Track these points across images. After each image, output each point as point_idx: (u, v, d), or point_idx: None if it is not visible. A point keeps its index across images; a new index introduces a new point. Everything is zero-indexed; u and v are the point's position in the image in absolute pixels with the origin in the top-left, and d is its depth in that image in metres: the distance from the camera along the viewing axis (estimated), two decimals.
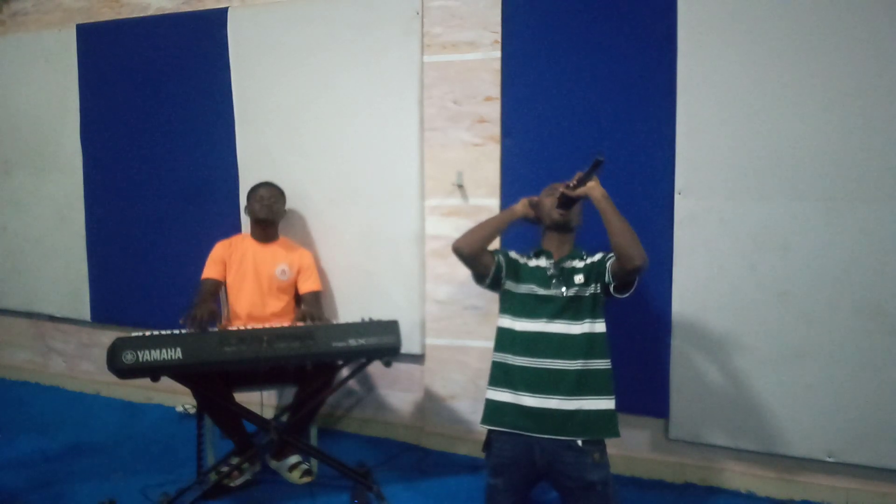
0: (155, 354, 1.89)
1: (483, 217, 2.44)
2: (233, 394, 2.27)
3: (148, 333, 1.92)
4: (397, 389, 2.77)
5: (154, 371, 1.89)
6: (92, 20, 3.13)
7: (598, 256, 1.88)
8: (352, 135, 2.65)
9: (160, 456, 2.59)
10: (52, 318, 3.44)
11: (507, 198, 2.44)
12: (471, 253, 1.85)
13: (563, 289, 1.82)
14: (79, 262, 3.24)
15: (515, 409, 1.79)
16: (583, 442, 1.74)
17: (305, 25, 2.69)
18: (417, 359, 2.67)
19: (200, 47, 2.86)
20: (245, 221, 2.80)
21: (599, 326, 1.82)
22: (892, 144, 1.98)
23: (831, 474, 2.17)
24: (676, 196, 2.22)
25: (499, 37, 2.42)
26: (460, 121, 2.50)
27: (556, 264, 1.87)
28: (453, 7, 2.48)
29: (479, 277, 1.93)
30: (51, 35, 3.20)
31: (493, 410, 1.84)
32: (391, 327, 2.12)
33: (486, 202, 2.50)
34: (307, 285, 2.55)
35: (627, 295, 1.81)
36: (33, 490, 2.30)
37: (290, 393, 2.43)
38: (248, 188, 2.63)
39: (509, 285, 1.90)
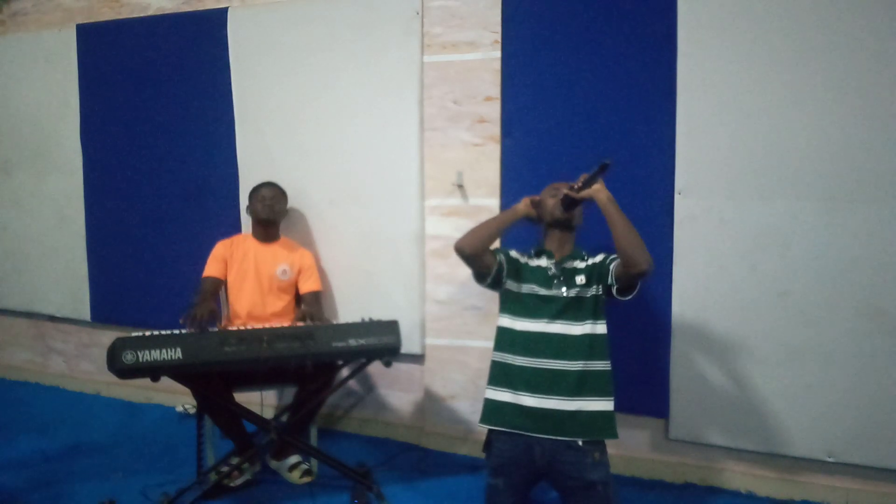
0: (155, 354, 1.89)
1: (483, 217, 2.44)
2: (233, 394, 2.27)
3: (148, 333, 1.93)
4: (397, 389, 2.77)
5: (154, 371, 1.89)
6: (92, 20, 3.13)
7: (599, 257, 1.87)
8: (352, 135, 2.65)
9: (160, 456, 2.59)
10: (52, 318, 3.44)
11: (507, 198, 2.44)
12: (473, 253, 1.85)
13: (565, 289, 1.81)
14: (79, 262, 3.24)
15: (515, 409, 1.79)
16: (583, 442, 1.74)
17: (305, 25, 2.69)
18: (417, 359, 2.67)
19: (200, 47, 2.86)
20: (245, 221, 2.80)
21: (601, 328, 1.82)
22: (892, 144, 1.98)
23: (831, 474, 2.17)
24: (676, 196, 2.22)
25: (499, 37, 2.42)
26: (460, 121, 2.50)
27: (558, 264, 1.86)
28: (453, 7, 2.48)
29: (480, 277, 1.92)
30: (51, 35, 3.20)
31: (493, 410, 1.84)
32: (391, 327, 2.12)
33: (486, 202, 2.50)
34: (307, 285, 2.55)
35: (630, 298, 1.80)
36: (33, 490, 2.30)
37: (290, 393, 2.43)
38: (248, 188, 2.63)
39: (510, 285, 1.89)
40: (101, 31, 3.09)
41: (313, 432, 2.43)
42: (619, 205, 1.76)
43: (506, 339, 1.86)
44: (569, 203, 1.82)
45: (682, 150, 2.20)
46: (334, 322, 2.33)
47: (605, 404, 1.78)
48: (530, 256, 1.94)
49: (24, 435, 2.80)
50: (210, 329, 2.07)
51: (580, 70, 2.33)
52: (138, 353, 1.87)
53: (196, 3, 2.92)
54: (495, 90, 2.45)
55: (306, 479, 2.37)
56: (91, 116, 3.15)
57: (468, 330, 2.56)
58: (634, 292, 1.80)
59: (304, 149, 2.74)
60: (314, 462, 2.44)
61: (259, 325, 2.22)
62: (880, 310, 2.03)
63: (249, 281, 2.50)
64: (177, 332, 1.97)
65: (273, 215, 2.53)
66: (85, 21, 3.14)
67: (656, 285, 2.25)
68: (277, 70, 2.75)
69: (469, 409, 2.60)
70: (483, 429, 1.86)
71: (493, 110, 2.45)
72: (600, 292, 1.82)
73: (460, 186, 2.52)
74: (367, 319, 2.14)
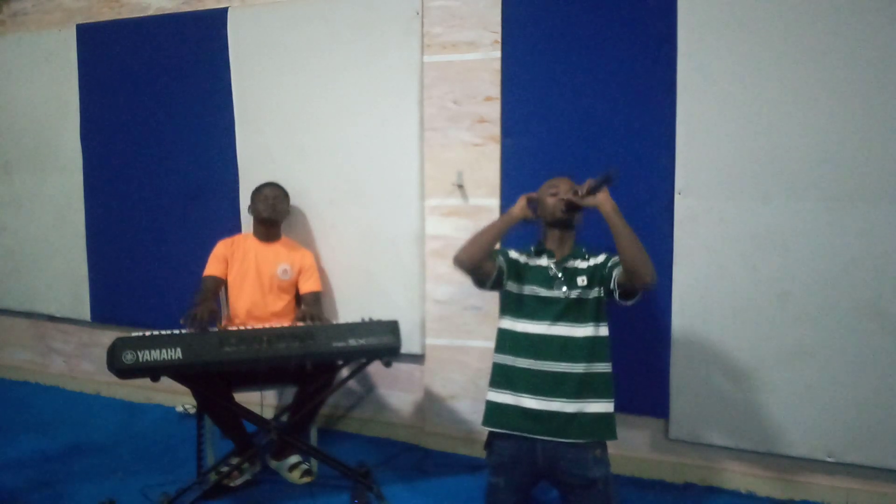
0: (155, 354, 1.89)
1: (483, 217, 2.46)
2: (233, 394, 2.27)
3: (148, 333, 1.93)
4: (397, 389, 2.77)
5: (154, 371, 1.89)
6: (92, 20, 3.13)
7: (601, 258, 1.85)
8: (352, 135, 2.65)
9: (160, 456, 2.59)
10: (52, 318, 3.44)
11: (508, 198, 2.44)
12: (472, 265, 1.82)
13: (566, 290, 1.80)
14: (79, 262, 3.24)
15: (516, 411, 1.78)
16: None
17: (305, 25, 2.69)
18: (417, 359, 2.67)
19: (200, 47, 2.86)
20: (245, 221, 2.80)
21: (603, 330, 1.82)
22: (892, 144, 1.98)
23: (831, 474, 2.17)
24: (676, 196, 2.22)
25: (499, 37, 2.42)
26: (460, 121, 2.50)
27: (559, 264, 1.85)
28: (453, 7, 2.48)
29: (480, 283, 1.89)
30: (51, 35, 3.20)
31: (494, 412, 1.83)
32: (391, 327, 2.12)
33: (486, 202, 2.50)
34: (308, 285, 2.55)
35: (632, 303, 1.78)
36: (33, 490, 2.30)
37: (290, 393, 2.43)
38: (249, 188, 2.63)
39: (511, 286, 1.88)
40: (101, 31, 3.09)
41: (313, 432, 2.43)
42: (620, 205, 1.75)
43: (507, 341, 1.85)
44: (571, 207, 1.81)
45: (682, 150, 2.20)
46: (334, 322, 2.32)
47: (606, 406, 1.78)
48: (530, 255, 1.92)
49: (24, 435, 2.80)
50: (210, 329, 2.07)
51: (580, 70, 2.33)
52: (138, 353, 1.87)
53: (196, 3, 2.92)
54: (495, 90, 2.45)
55: (306, 479, 2.37)
56: (91, 116, 3.15)
57: (468, 330, 2.56)
58: (637, 298, 1.78)
59: (304, 149, 2.74)
60: (314, 462, 2.44)
61: (259, 325, 2.22)
62: (880, 310, 2.03)
63: (250, 280, 2.50)
64: (177, 332, 1.97)
65: (275, 215, 2.54)
66: (85, 21, 3.14)
67: (656, 285, 2.25)
68: (277, 70, 2.75)
69: (469, 409, 2.60)
70: (484, 429, 1.86)
71: (493, 110, 2.45)
72: (602, 294, 1.81)
73: (460, 186, 2.52)
74: (367, 319, 2.14)
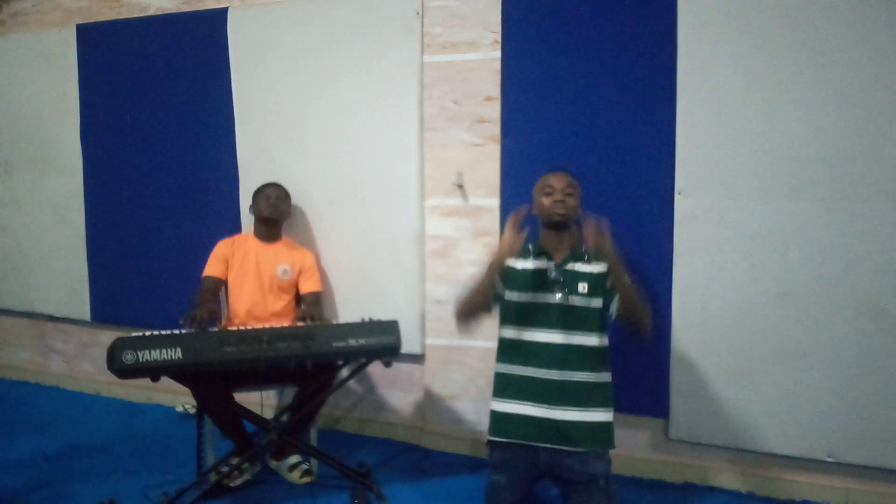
0: (155, 354, 1.88)
1: (483, 217, 2.47)
2: (233, 394, 2.27)
3: (148, 333, 1.92)
4: (397, 389, 2.77)
5: (154, 371, 1.89)
6: (92, 20, 3.13)
7: (604, 266, 1.79)
8: (352, 135, 2.65)
9: (160, 456, 2.59)
10: (52, 318, 3.44)
11: (508, 198, 2.44)
12: (475, 321, 1.83)
13: (567, 294, 1.76)
14: (79, 262, 3.24)
15: (521, 420, 1.78)
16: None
17: (305, 25, 2.69)
18: (417, 359, 2.67)
19: (200, 47, 2.86)
20: (245, 221, 2.81)
21: (605, 340, 1.81)
22: (892, 144, 1.98)
23: (831, 474, 2.17)
24: (676, 196, 2.22)
25: (499, 37, 2.42)
26: (460, 121, 2.50)
27: (559, 266, 1.81)
28: (453, 7, 2.48)
29: (486, 313, 1.86)
30: (51, 35, 3.20)
31: (500, 422, 1.83)
32: (391, 327, 2.12)
33: (486, 202, 2.50)
34: (308, 285, 2.55)
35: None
36: (33, 490, 2.30)
37: (290, 393, 2.43)
38: (249, 188, 2.64)
39: (510, 295, 1.85)
40: (101, 31, 3.09)
41: (313, 432, 2.43)
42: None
43: (509, 350, 1.83)
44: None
45: (682, 150, 2.20)
46: (334, 322, 2.32)
47: (607, 415, 1.79)
48: (527, 255, 1.88)
49: (24, 435, 2.80)
50: (210, 329, 2.07)
51: (580, 70, 2.33)
52: (138, 353, 1.87)
53: (196, 3, 2.91)
54: (495, 90, 2.45)
55: (306, 479, 2.37)
56: (91, 116, 3.15)
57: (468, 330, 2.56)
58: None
59: (304, 149, 2.74)
60: (314, 462, 2.44)
61: (259, 325, 2.22)
62: (880, 310, 2.03)
63: (250, 280, 2.50)
64: (177, 332, 1.97)
65: (277, 214, 2.54)
66: (85, 21, 3.14)
67: (656, 285, 2.25)
68: (277, 70, 2.75)
69: (469, 409, 2.60)
70: (486, 431, 1.86)
71: (493, 110, 2.45)
72: (601, 306, 1.79)
73: (460, 186, 2.52)
74: (367, 319, 2.14)
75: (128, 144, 3.07)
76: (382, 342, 2.10)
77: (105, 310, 3.23)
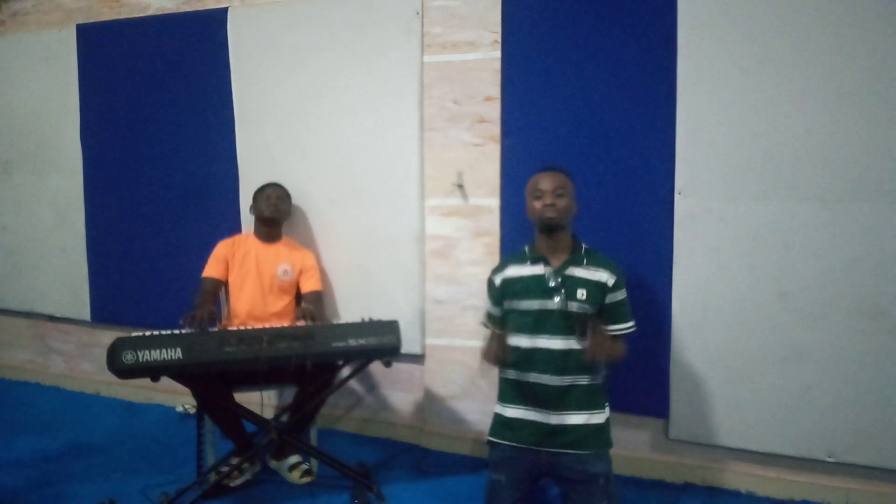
0: (155, 354, 1.88)
1: (483, 217, 2.48)
2: (233, 394, 2.27)
3: (148, 333, 1.93)
4: (397, 389, 2.77)
5: (154, 371, 1.89)
6: (92, 20, 3.13)
7: (603, 275, 1.76)
8: (352, 135, 2.65)
9: (160, 456, 2.59)
10: (52, 318, 3.44)
11: (508, 198, 2.45)
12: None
13: (563, 299, 1.73)
14: (79, 262, 3.24)
15: (522, 425, 1.78)
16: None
17: (305, 25, 2.69)
18: (417, 359, 2.67)
19: (200, 47, 2.86)
20: (245, 221, 2.81)
21: None
22: (892, 144, 1.98)
23: (831, 474, 2.17)
24: (676, 196, 2.22)
25: (499, 37, 2.42)
26: (460, 121, 2.50)
27: (556, 272, 1.76)
28: (453, 7, 2.48)
29: None
30: (51, 35, 3.20)
31: (502, 425, 1.83)
32: (391, 327, 2.12)
33: (486, 202, 2.50)
34: (309, 285, 2.55)
35: None
36: (33, 490, 2.30)
37: (290, 393, 2.43)
38: (249, 188, 2.64)
39: (508, 304, 1.84)
40: (101, 31, 3.09)
41: (313, 432, 2.43)
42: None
43: (512, 356, 1.80)
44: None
45: (682, 150, 2.20)
46: (334, 322, 2.32)
47: (605, 414, 1.80)
48: (524, 260, 1.84)
49: (24, 435, 2.80)
50: (210, 329, 2.07)
51: (580, 70, 2.33)
52: (138, 353, 1.87)
53: (196, 3, 2.92)
54: (495, 90, 2.45)
55: (306, 479, 2.37)
56: (91, 116, 3.15)
57: (468, 330, 2.56)
58: None
59: (304, 149, 2.74)
60: (314, 462, 2.44)
61: (259, 325, 2.22)
62: (880, 310, 2.03)
63: (250, 280, 2.50)
64: (177, 332, 1.97)
65: (278, 214, 2.54)
66: (85, 21, 3.14)
67: (656, 285, 2.25)
68: (277, 70, 2.75)
69: (469, 409, 2.60)
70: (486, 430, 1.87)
71: (493, 110, 2.45)
72: (597, 313, 1.77)
73: (460, 186, 2.52)
74: (367, 319, 2.14)
75: (128, 144, 3.07)
76: (382, 342, 2.10)
77: (105, 310, 3.23)
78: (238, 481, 2.30)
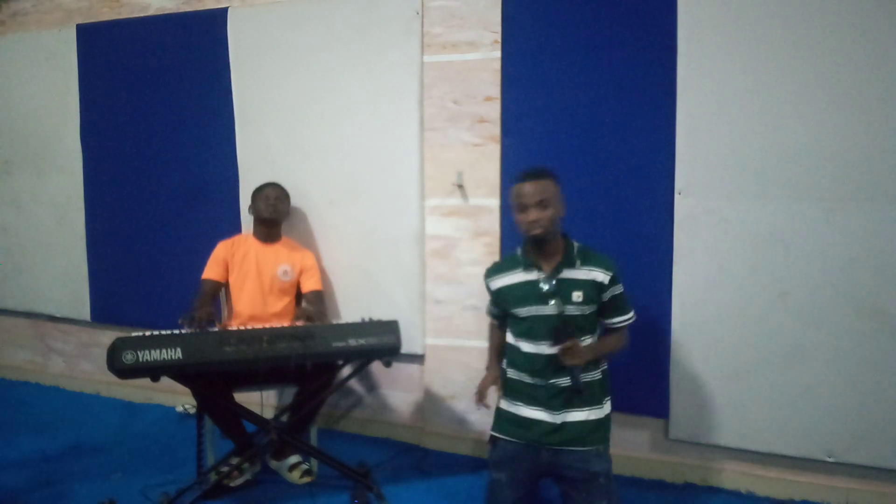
0: (155, 354, 1.89)
1: (483, 217, 2.48)
2: (233, 394, 2.27)
3: (148, 333, 1.93)
4: (397, 389, 2.77)
5: (154, 371, 1.89)
6: (92, 20, 3.13)
7: (598, 274, 1.74)
8: (352, 135, 2.65)
9: (160, 456, 2.59)
10: (52, 318, 3.44)
11: (508, 198, 2.43)
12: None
13: (559, 303, 1.72)
14: (79, 262, 3.24)
15: (525, 423, 1.78)
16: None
17: (305, 25, 2.69)
18: (417, 359, 2.67)
19: (200, 47, 2.86)
20: (245, 222, 2.80)
21: (595, 340, 1.81)
22: (892, 144, 1.98)
23: (831, 474, 2.17)
24: (676, 196, 2.22)
25: (499, 37, 2.42)
26: (460, 121, 2.50)
27: (550, 277, 1.74)
28: (453, 7, 2.48)
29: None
30: (51, 35, 3.20)
31: (505, 421, 1.84)
32: (391, 327, 2.12)
33: (486, 202, 2.50)
34: (310, 285, 2.55)
35: None
36: (33, 490, 2.30)
37: (290, 393, 2.43)
38: (249, 188, 2.63)
39: (507, 311, 1.84)
40: (101, 31, 3.09)
41: (313, 432, 2.43)
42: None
43: (515, 358, 1.83)
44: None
45: (682, 150, 2.20)
46: (335, 322, 2.33)
47: (607, 408, 1.80)
48: (517, 265, 1.82)
49: (24, 435, 2.80)
50: (210, 329, 2.07)
51: (580, 70, 2.32)
52: (138, 353, 1.87)
53: (196, 3, 2.92)
54: (495, 90, 2.45)
55: (306, 479, 2.37)
56: (91, 116, 3.15)
57: (468, 330, 2.56)
58: None
59: (304, 149, 2.74)
60: (314, 462, 2.44)
61: (259, 326, 2.22)
62: (880, 310, 2.03)
63: (250, 281, 2.50)
64: (177, 332, 1.97)
65: (276, 215, 2.54)
66: (85, 21, 3.14)
67: (656, 285, 2.25)
68: (277, 70, 2.75)
69: (469, 409, 2.59)
70: (487, 429, 1.87)
71: (493, 110, 2.45)
72: (596, 310, 1.78)
73: (460, 186, 2.52)
74: (367, 319, 2.14)
75: (128, 144, 3.07)
76: (382, 342, 2.10)
77: (105, 310, 3.23)
78: (238, 481, 2.30)
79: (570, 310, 1.73)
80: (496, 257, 2.44)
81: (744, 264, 2.16)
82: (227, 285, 2.54)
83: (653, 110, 2.23)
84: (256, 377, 2.31)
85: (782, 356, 2.14)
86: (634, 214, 2.28)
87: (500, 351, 1.96)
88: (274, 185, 2.58)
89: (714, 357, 2.22)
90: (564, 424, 1.74)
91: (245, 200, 2.74)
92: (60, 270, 3.30)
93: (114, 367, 1.86)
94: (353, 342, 2.07)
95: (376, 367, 2.16)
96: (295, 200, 2.69)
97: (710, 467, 2.32)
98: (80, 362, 3.42)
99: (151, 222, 3.06)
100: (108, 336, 3.08)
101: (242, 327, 2.09)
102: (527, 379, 1.79)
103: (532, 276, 1.78)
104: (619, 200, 2.29)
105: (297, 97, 2.73)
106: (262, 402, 2.61)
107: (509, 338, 1.86)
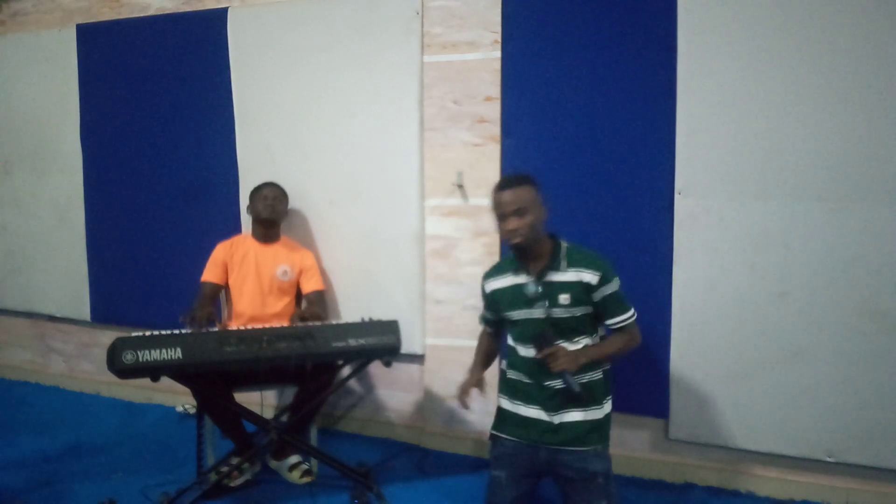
0: (155, 354, 1.89)
1: (483, 217, 2.48)
2: (233, 394, 2.27)
3: (148, 333, 1.93)
4: (397, 389, 2.77)
5: (154, 371, 1.90)
6: (92, 20, 3.13)
7: (585, 275, 1.70)
8: (352, 135, 2.65)
9: (160, 456, 2.59)
10: (52, 318, 3.44)
11: None
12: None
13: (546, 307, 1.71)
14: (79, 262, 3.24)
15: (524, 422, 1.78)
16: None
17: (305, 25, 2.69)
18: (417, 359, 2.67)
19: (200, 47, 2.86)
20: (245, 221, 2.80)
21: (598, 339, 1.80)
22: (892, 144, 1.98)
23: (831, 474, 2.17)
24: (676, 196, 2.22)
25: (499, 37, 2.42)
26: (460, 121, 2.50)
27: (537, 280, 1.73)
28: (453, 7, 2.48)
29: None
30: (51, 35, 3.20)
31: (505, 419, 1.84)
32: (391, 327, 2.12)
33: (486, 202, 2.48)
34: (310, 285, 2.56)
35: None
36: (33, 490, 2.30)
37: (290, 393, 2.43)
38: (249, 188, 2.63)
39: (501, 313, 1.84)
40: (101, 31, 3.09)
41: (313, 432, 2.43)
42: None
43: (514, 359, 1.83)
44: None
45: (682, 150, 2.20)
46: (334, 322, 2.33)
47: (607, 407, 1.80)
48: (505, 271, 1.82)
49: (24, 435, 2.80)
50: (209, 329, 2.07)
51: (580, 70, 2.33)
52: (138, 353, 1.87)
53: (196, 3, 2.91)
54: (495, 90, 2.45)
55: (306, 479, 2.37)
56: (91, 116, 3.15)
57: (468, 330, 2.55)
58: None
59: (304, 149, 2.74)
60: (314, 462, 2.44)
61: (259, 326, 2.22)
62: (880, 310, 2.03)
63: (250, 282, 2.50)
64: (177, 332, 1.97)
65: (274, 215, 2.54)
66: (85, 21, 3.14)
67: (656, 285, 2.25)
68: (278, 70, 2.75)
69: (469, 408, 2.59)
70: (487, 428, 1.87)
71: (493, 110, 2.45)
72: (590, 311, 1.74)
73: (460, 186, 2.52)
74: (367, 319, 2.14)
75: (128, 144, 3.07)
76: (382, 342, 2.10)
77: (105, 310, 3.23)
78: (238, 481, 2.30)
79: (558, 313, 1.71)
80: (496, 257, 2.44)
81: (744, 264, 2.16)
82: (226, 287, 2.54)
83: (653, 110, 2.23)
84: (256, 377, 2.32)
85: (782, 356, 2.14)
86: (634, 214, 2.28)
87: (486, 357, 2.00)
88: (272, 185, 2.58)
89: (714, 357, 2.22)
90: (562, 425, 1.74)
91: (245, 200, 2.74)
92: (60, 270, 3.30)
93: (114, 367, 1.86)
94: (352, 342, 2.07)
95: (376, 366, 2.16)
96: (295, 200, 2.69)
97: (710, 467, 2.32)
98: (80, 362, 3.42)
99: (151, 222, 3.06)
100: (108, 336, 3.08)
101: (242, 327, 2.09)
102: (525, 379, 1.79)
103: (521, 279, 1.77)
104: (619, 200, 2.29)
105: (297, 97, 2.73)
106: (262, 402, 2.61)
107: (508, 339, 1.87)
